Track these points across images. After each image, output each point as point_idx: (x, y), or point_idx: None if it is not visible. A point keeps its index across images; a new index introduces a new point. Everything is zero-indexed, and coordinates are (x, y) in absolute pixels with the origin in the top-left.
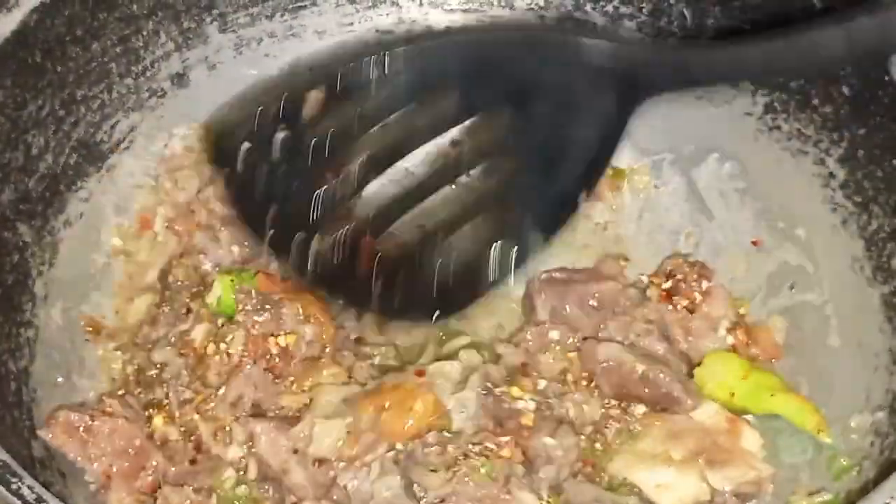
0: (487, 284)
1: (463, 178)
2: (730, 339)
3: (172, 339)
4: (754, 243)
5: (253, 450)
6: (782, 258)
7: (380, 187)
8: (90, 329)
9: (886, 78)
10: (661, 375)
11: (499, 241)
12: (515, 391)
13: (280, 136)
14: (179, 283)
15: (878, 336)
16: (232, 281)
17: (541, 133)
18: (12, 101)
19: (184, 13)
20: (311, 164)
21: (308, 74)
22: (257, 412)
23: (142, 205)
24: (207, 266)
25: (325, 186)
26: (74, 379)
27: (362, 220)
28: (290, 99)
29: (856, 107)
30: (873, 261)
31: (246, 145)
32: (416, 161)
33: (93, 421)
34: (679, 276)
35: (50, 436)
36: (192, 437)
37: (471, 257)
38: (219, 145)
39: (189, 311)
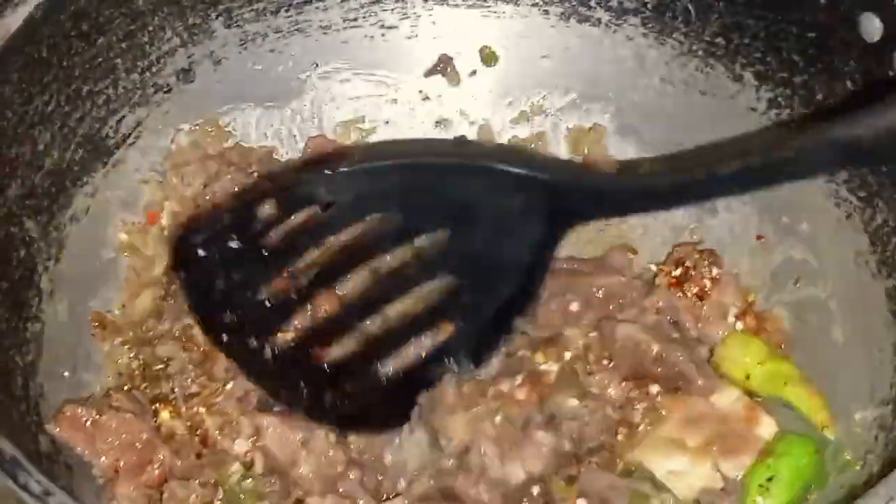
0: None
1: (402, 297)
2: (739, 326)
3: (177, 333)
4: (759, 238)
5: (259, 443)
6: (786, 253)
7: (325, 301)
8: (97, 325)
9: (890, 73)
10: (677, 355)
11: (438, 357)
12: (540, 357)
13: (233, 245)
14: None
15: (882, 330)
16: None
17: (474, 257)
18: (18, 97)
19: (189, 9)
20: (260, 275)
21: (265, 184)
22: (264, 407)
23: (148, 200)
24: None
25: (273, 298)
26: (81, 373)
27: (309, 332)
28: (244, 208)
29: (860, 102)
30: (878, 255)
31: (201, 252)
32: (358, 278)
33: (99, 416)
34: (689, 264)
35: (57, 430)
36: (199, 432)
37: (410, 371)
38: (177, 251)
39: None
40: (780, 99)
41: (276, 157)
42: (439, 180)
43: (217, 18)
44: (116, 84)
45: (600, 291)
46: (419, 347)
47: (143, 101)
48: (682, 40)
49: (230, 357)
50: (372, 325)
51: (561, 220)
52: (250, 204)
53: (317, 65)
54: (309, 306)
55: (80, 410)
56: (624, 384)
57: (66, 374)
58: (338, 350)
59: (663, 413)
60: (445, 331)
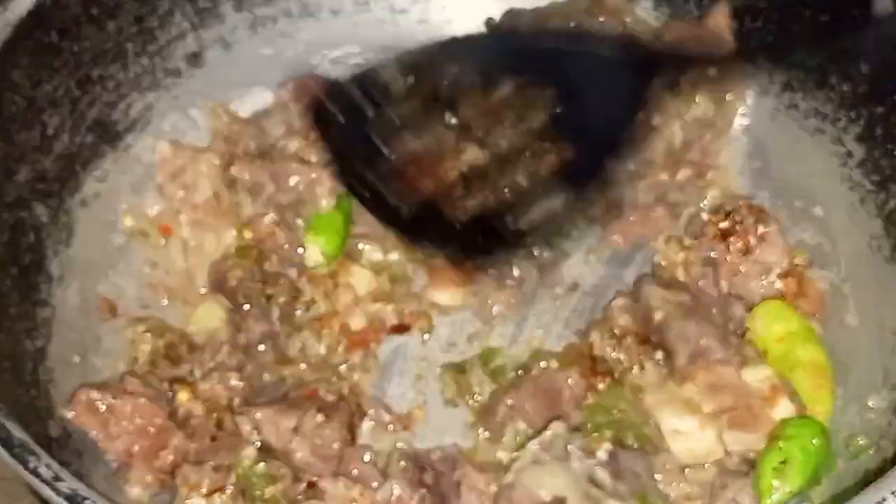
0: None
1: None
2: (778, 285)
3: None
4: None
5: (260, 437)
6: (799, 237)
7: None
8: (106, 310)
9: None
10: (692, 325)
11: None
12: None
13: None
14: (244, 282)
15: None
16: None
17: (580, 106)
18: (28, 81)
19: None
20: (398, 133)
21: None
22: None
23: (157, 215)
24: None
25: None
26: (91, 358)
27: (443, 179)
28: (383, 79)
29: (874, 85)
30: (891, 239)
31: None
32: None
33: (115, 399)
34: (737, 218)
35: (72, 414)
36: (215, 414)
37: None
38: (320, 108)
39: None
40: (793, 82)
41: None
42: (544, 46)
43: (227, 2)
44: (126, 68)
45: None
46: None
47: (153, 85)
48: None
49: (365, 204)
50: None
51: (645, 73)
52: (383, 82)
53: (327, 48)
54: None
55: (95, 394)
56: (631, 344)
57: (76, 359)
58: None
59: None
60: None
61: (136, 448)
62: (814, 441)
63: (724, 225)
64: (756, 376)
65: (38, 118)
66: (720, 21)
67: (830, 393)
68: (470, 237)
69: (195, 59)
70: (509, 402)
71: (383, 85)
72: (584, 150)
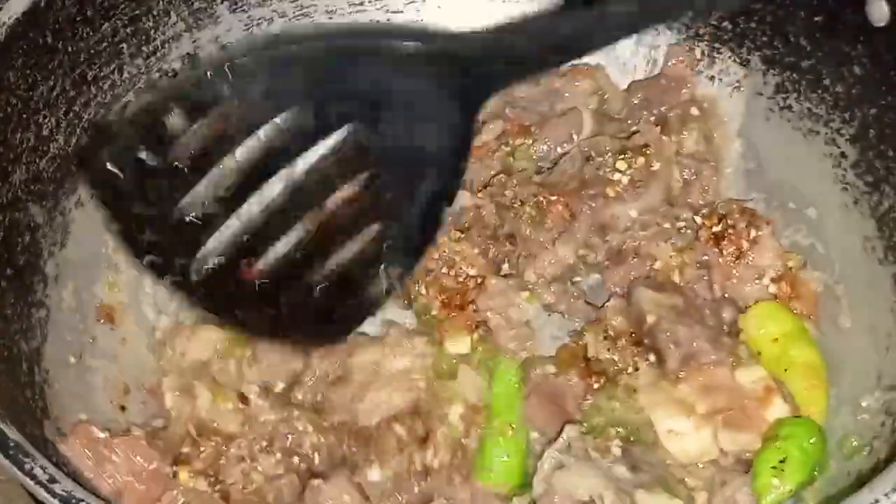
0: (377, 302)
1: (328, 201)
2: (772, 289)
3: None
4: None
5: None
6: (793, 238)
7: (248, 210)
8: (105, 317)
9: None
10: (682, 329)
11: (379, 262)
12: (621, 164)
13: (144, 159)
14: None
15: (889, 316)
16: None
17: (392, 150)
18: (23, 82)
19: None
20: (175, 190)
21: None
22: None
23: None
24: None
25: (191, 212)
26: (87, 359)
27: (237, 244)
28: (149, 118)
29: (867, 86)
30: (885, 240)
31: (112, 168)
32: (278, 184)
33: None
34: (730, 221)
35: (66, 448)
36: (219, 488)
37: (354, 279)
38: (87, 168)
39: None
40: (787, 83)
41: None
42: (342, 66)
43: (222, 3)
44: (121, 69)
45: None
46: (349, 252)
47: (148, 86)
48: (688, 24)
49: (158, 278)
50: (297, 233)
51: (473, 97)
52: (155, 113)
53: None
54: (231, 220)
55: (92, 430)
56: (625, 345)
57: (71, 360)
58: (266, 263)
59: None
60: (372, 233)
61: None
62: (811, 440)
63: (716, 229)
64: (749, 377)
65: (34, 119)
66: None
67: (825, 393)
68: (269, 298)
69: (190, 59)
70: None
71: (160, 124)
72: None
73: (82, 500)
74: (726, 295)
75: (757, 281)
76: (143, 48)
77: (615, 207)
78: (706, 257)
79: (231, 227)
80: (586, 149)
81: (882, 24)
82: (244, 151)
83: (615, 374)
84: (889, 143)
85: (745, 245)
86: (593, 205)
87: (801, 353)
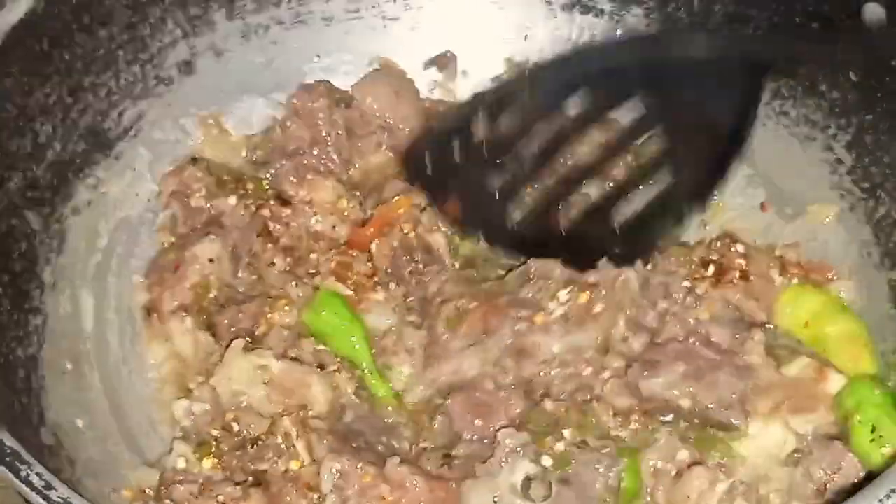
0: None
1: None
2: (795, 282)
3: None
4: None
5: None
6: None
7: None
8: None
9: (893, 63)
10: (712, 405)
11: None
12: (562, 295)
13: (457, 145)
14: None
15: (886, 321)
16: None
17: (684, 119)
18: (20, 89)
19: (191, 0)
20: (490, 164)
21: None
22: None
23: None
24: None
25: (506, 178)
26: (83, 366)
27: (545, 199)
28: (462, 121)
29: (863, 93)
30: (881, 246)
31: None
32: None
33: None
34: (715, 257)
35: None
36: None
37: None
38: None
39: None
40: (783, 90)
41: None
42: (634, 58)
43: (219, 10)
44: (118, 76)
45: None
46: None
47: (144, 93)
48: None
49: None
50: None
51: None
52: (466, 119)
53: (319, 56)
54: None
55: None
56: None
57: (68, 366)
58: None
59: None
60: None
61: None
62: (876, 392)
63: (710, 273)
64: (796, 369)
65: (30, 126)
66: None
67: (871, 354)
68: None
69: (187, 66)
70: None
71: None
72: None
73: None
74: (764, 318)
75: (773, 284)
76: (140, 55)
77: (538, 336)
78: (721, 303)
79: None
80: (534, 269)
81: (877, 30)
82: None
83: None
84: (885, 149)
85: (743, 263)
86: (516, 327)
87: (835, 327)
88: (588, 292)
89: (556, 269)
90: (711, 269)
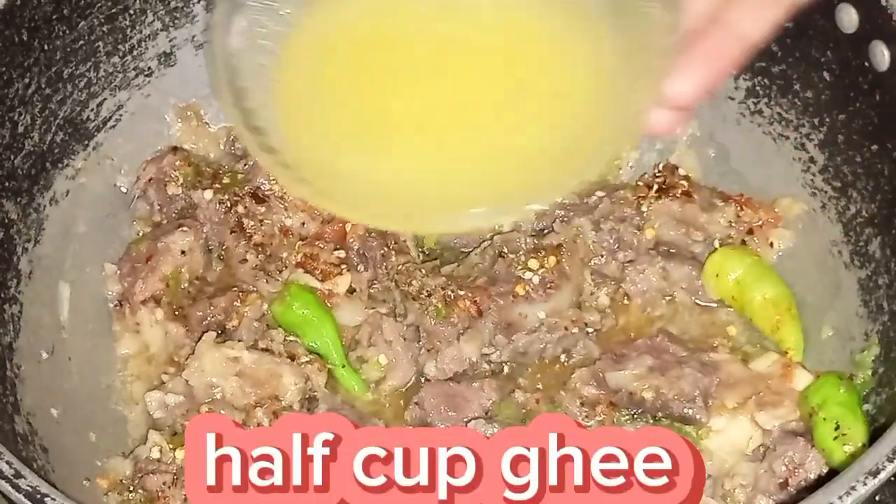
0: None
1: None
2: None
3: None
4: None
5: None
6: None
7: None
8: None
9: (866, 64)
10: (675, 398)
11: None
12: (533, 263)
13: None
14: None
15: (854, 319)
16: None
17: None
18: None
19: None
20: None
21: None
22: None
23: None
24: None
25: None
26: (58, 355)
27: None
28: None
29: (836, 92)
30: (851, 245)
31: None
32: None
33: None
34: (660, 178)
35: None
36: None
37: None
38: None
39: None
40: (757, 88)
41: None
42: None
43: (199, 2)
44: (97, 67)
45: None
46: None
47: (124, 84)
48: None
49: None
50: None
51: None
52: None
53: None
54: None
55: None
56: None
57: (44, 355)
58: None
59: None
60: None
61: None
62: (840, 390)
63: (655, 187)
64: (764, 364)
65: (9, 116)
66: None
67: (793, 319)
68: None
69: (167, 58)
70: None
71: None
72: None
73: (47, 496)
74: (702, 238)
75: (718, 211)
76: (120, 46)
77: (523, 307)
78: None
79: None
80: (499, 244)
81: (850, 31)
82: None
83: None
84: (856, 148)
85: (685, 184)
86: (501, 302)
87: (760, 291)
88: (554, 256)
89: (519, 238)
90: (655, 187)
